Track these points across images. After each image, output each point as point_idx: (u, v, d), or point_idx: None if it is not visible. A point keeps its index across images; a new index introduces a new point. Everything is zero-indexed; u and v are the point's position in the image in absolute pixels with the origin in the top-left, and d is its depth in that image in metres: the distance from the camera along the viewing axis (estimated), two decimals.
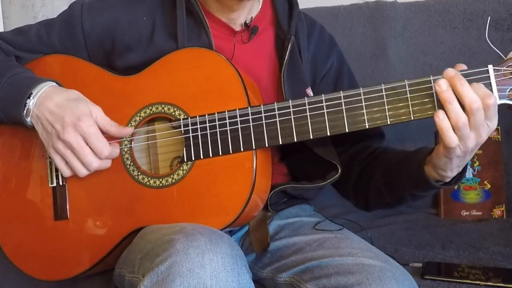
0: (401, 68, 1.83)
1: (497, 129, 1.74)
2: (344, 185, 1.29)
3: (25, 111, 1.15)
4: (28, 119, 1.16)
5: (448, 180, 1.09)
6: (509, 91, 1.01)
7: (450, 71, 0.99)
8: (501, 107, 1.02)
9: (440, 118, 0.98)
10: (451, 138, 0.98)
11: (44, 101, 1.14)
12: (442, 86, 0.98)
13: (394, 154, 1.24)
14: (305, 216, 1.31)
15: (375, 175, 1.23)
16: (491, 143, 1.75)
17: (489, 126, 0.99)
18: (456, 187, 1.76)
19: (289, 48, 1.24)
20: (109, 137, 1.16)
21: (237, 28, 1.27)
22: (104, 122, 1.15)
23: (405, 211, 1.76)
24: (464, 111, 0.97)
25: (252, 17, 1.27)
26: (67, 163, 1.14)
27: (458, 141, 0.98)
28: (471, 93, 0.96)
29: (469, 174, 1.76)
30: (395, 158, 1.20)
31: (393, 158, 1.22)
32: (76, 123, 1.11)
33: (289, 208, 1.33)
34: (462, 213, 1.76)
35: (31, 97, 1.14)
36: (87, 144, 1.12)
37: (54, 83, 1.18)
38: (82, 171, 1.14)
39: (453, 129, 0.97)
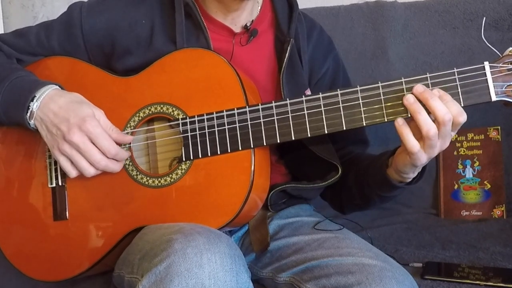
0: (401, 68, 1.83)
1: (497, 129, 1.74)
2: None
3: (28, 114, 1.15)
4: (32, 122, 1.16)
5: (409, 180, 1.12)
6: (505, 88, 1.01)
7: (419, 87, 1.03)
8: (498, 104, 1.02)
9: (400, 123, 1.03)
10: (412, 143, 1.02)
11: (48, 104, 1.14)
12: (409, 99, 1.03)
13: (366, 157, 1.27)
14: (305, 216, 1.31)
15: (348, 176, 1.25)
16: (491, 143, 1.75)
17: (452, 134, 1.03)
18: (456, 187, 1.76)
19: (288, 50, 1.24)
20: None
21: (237, 30, 1.27)
22: (106, 126, 1.15)
23: (405, 211, 1.77)
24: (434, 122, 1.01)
25: (253, 20, 1.27)
26: (72, 163, 1.14)
27: (420, 147, 1.02)
28: (442, 106, 1.00)
29: (469, 174, 1.76)
30: (366, 161, 1.23)
31: (364, 160, 1.24)
32: (81, 124, 1.11)
33: (289, 208, 1.33)
34: (462, 213, 1.75)
35: (34, 100, 1.14)
36: (94, 144, 1.13)
37: (57, 86, 1.19)
38: (90, 170, 1.14)
39: (424, 138, 1.01)
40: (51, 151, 1.16)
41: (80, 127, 1.11)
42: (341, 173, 1.21)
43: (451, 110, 1.00)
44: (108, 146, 1.13)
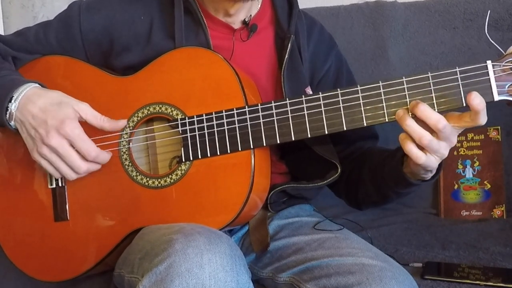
0: (401, 68, 1.84)
1: (497, 129, 1.74)
2: (337, 185, 1.30)
3: (7, 115, 1.14)
4: (12, 123, 1.15)
5: (427, 178, 1.11)
6: (508, 87, 0.99)
7: (412, 103, 1.02)
8: (501, 104, 1.02)
9: (402, 138, 1.02)
10: (416, 154, 1.01)
11: (26, 105, 1.13)
12: (398, 113, 1.02)
13: (379, 152, 1.25)
14: (305, 216, 1.30)
15: (363, 173, 1.24)
16: (491, 143, 1.75)
17: (458, 131, 1.02)
18: (456, 187, 1.76)
19: (289, 47, 1.24)
20: (105, 133, 1.17)
21: (236, 26, 1.27)
22: (96, 118, 1.14)
23: (405, 211, 1.77)
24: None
25: (251, 15, 1.26)
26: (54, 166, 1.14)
27: (425, 156, 1.01)
28: (434, 114, 0.99)
29: (469, 174, 1.76)
30: (380, 157, 1.21)
31: (377, 155, 1.23)
32: (59, 127, 1.10)
33: (289, 208, 1.33)
34: (462, 213, 1.76)
35: (12, 101, 1.13)
36: (73, 147, 1.12)
37: (36, 84, 1.17)
38: (71, 175, 1.14)
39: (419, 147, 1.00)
40: (31, 154, 1.15)
41: (58, 130, 1.10)
42: (341, 172, 1.21)
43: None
44: (87, 149, 1.12)
